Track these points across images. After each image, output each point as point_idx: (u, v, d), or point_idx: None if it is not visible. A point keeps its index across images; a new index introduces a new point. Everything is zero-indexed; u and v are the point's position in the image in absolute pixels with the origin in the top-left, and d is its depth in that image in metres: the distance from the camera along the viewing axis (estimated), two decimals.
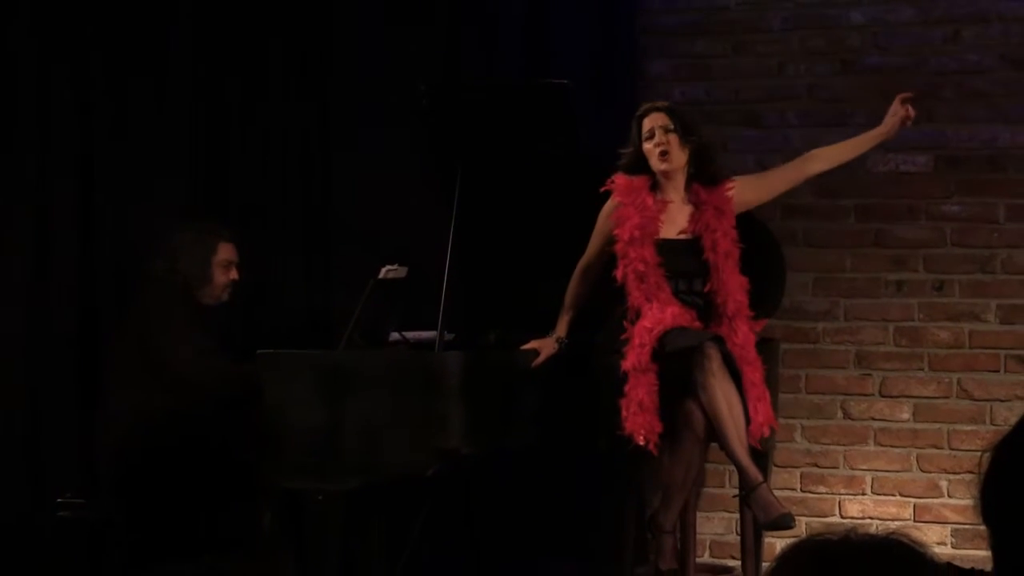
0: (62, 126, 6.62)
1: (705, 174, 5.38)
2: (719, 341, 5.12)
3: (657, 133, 5.32)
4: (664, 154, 5.31)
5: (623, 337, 5.20)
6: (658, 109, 5.39)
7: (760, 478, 5.07)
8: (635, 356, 5.14)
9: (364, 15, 6.77)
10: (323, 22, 6.80)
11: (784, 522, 5.03)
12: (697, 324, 5.25)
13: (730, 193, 5.38)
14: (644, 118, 5.38)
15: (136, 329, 5.88)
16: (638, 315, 5.22)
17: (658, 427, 5.14)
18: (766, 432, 5.22)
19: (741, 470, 5.08)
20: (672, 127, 5.32)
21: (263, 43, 6.80)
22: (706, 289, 5.32)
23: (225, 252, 6.02)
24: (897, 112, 5.47)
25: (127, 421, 5.74)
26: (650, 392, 5.13)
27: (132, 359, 5.86)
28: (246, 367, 5.78)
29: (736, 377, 5.10)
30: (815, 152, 5.56)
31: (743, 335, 5.26)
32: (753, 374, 5.21)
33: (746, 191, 5.45)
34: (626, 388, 5.15)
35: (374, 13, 6.76)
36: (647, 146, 5.33)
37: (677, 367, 5.09)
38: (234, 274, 6.04)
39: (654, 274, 5.25)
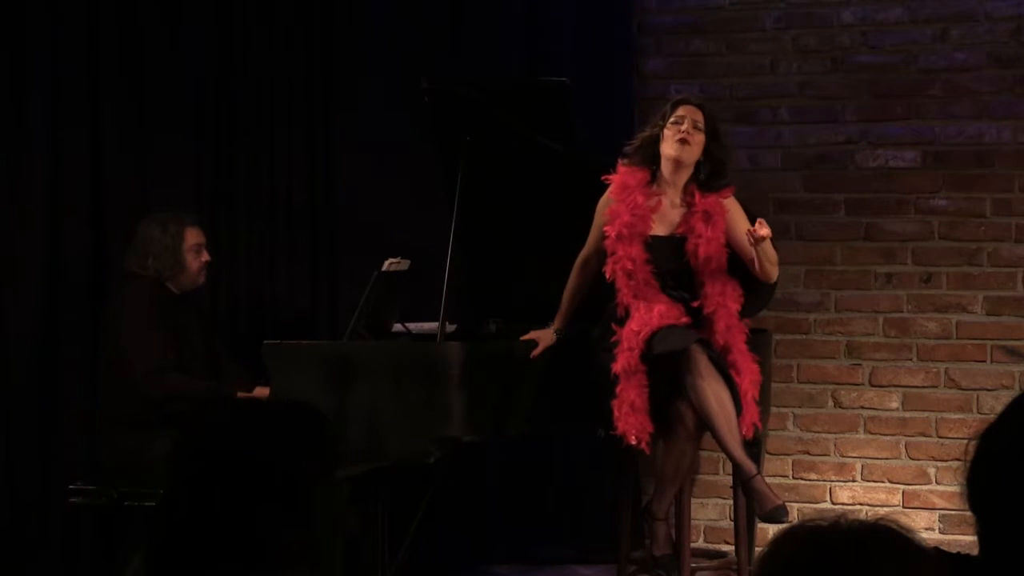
0: (71, 111, 6.62)
1: (707, 184, 5.31)
2: (704, 342, 5.15)
3: (687, 123, 5.27)
4: (684, 142, 5.26)
5: (612, 340, 5.23)
6: (698, 105, 5.35)
7: (754, 470, 5.12)
8: (624, 359, 5.17)
9: (367, 14, 6.80)
10: (326, 20, 6.84)
11: (777, 515, 5.07)
12: (685, 319, 5.25)
13: (726, 202, 5.32)
14: (680, 105, 5.33)
15: (112, 328, 5.91)
16: (627, 312, 5.24)
17: (649, 427, 5.18)
18: (748, 433, 5.24)
19: (735, 464, 5.14)
20: (702, 128, 5.30)
21: (269, 44, 6.83)
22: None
23: (193, 237, 6.00)
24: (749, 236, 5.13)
25: (119, 421, 5.81)
26: (641, 393, 5.17)
27: (112, 360, 5.89)
28: (204, 384, 5.81)
29: (724, 372, 5.16)
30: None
31: (721, 335, 5.26)
32: (737, 377, 5.22)
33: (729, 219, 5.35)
34: (617, 390, 5.19)
35: (377, 11, 6.80)
36: (670, 130, 5.28)
37: (666, 367, 5.13)
38: (205, 256, 6.04)
39: (642, 271, 5.26)
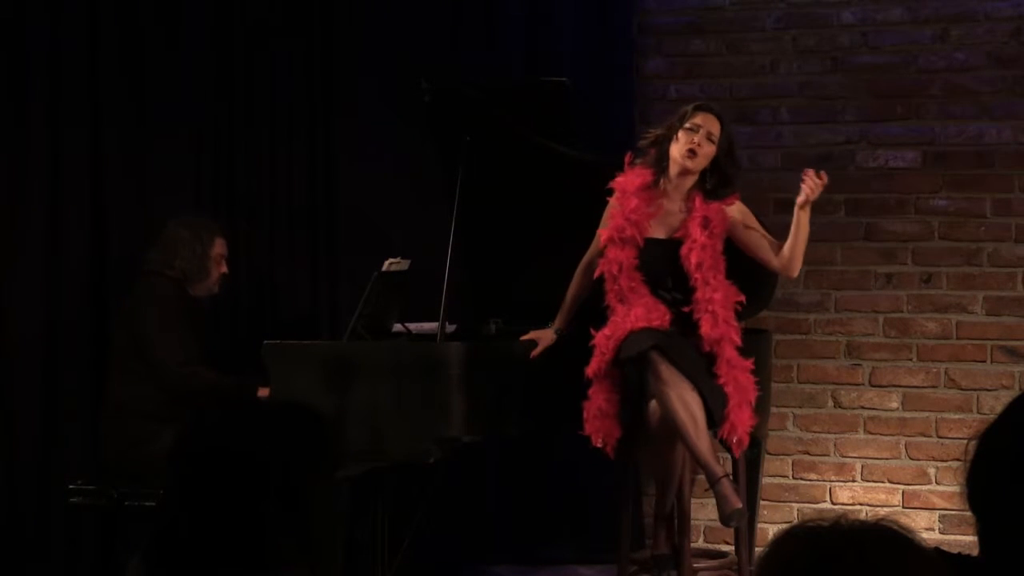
0: (71, 118, 6.64)
1: (712, 193, 5.31)
2: (661, 349, 5.08)
3: (700, 133, 5.26)
4: (692, 153, 5.25)
5: (590, 344, 5.26)
6: (717, 115, 5.32)
7: (720, 473, 5.08)
8: (596, 363, 5.22)
9: (366, 14, 6.80)
10: (325, 20, 6.84)
11: (732, 518, 5.06)
12: (663, 323, 5.21)
13: (729, 209, 5.32)
14: (700, 111, 5.31)
15: (131, 323, 5.93)
16: (613, 313, 5.27)
17: (616, 432, 5.24)
18: (747, 438, 5.25)
19: (703, 466, 5.11)
20: (716, 140, 5.27)
21: (269, 43, 6.84)
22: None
23: (219, 247, 6.09)
24: (805, 182, 5.23)
25: (127, 412, 5.84)
26: (609, 398, 5.23)
27: (129, 352, 5.92)
28: (231, 380, 5.85)
29: (695, 370, 5.11)
30: (782, 251, 5.35)
31: (707, 342, 5.23)
32: (725, 387, 5.21)
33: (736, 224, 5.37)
34: (589, 392, 5.24)
35: (376, 11, 6.80)
36: (683, 135, 5.26)
37: (634, 373, 5.14)
38: (225, 268, 6.11)
39: (627, 276, 5.27)
